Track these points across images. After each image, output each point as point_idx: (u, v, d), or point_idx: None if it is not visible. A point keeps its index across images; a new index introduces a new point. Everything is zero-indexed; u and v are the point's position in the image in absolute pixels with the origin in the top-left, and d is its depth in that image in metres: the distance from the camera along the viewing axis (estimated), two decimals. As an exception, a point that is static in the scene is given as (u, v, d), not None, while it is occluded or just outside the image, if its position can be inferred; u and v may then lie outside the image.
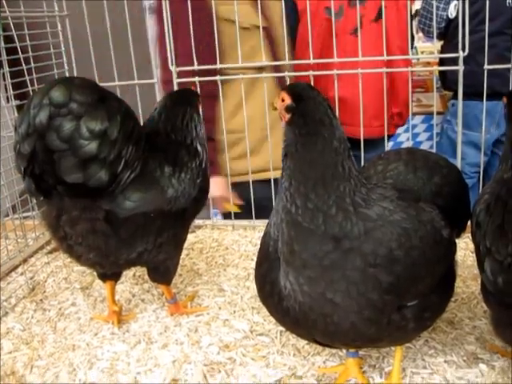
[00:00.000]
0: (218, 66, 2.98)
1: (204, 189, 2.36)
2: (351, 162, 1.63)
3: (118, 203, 2.04)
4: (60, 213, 2.05)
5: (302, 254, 1.57)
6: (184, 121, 2.37)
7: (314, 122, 1.59)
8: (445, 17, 4.15)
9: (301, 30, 3.56)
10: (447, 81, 4.23)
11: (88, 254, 2.12)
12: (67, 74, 3.24)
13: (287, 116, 1.64)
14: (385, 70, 2.90)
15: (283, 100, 1.66)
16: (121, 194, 2.03)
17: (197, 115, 2.42)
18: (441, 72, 4.26)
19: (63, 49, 3.23)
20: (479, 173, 3.30)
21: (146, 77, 3.15)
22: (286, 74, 2.96)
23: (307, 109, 1.61)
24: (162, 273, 2.34)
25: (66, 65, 3.26)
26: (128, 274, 2.80)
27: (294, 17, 3.55)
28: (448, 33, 4.20)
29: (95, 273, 2.40)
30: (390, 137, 3.82)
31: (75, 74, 3.19)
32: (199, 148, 2.35)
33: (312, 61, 2.95)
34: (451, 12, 4.12)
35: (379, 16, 3.51)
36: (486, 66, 2.75)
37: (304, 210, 1.57)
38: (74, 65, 3.21)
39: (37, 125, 1.84)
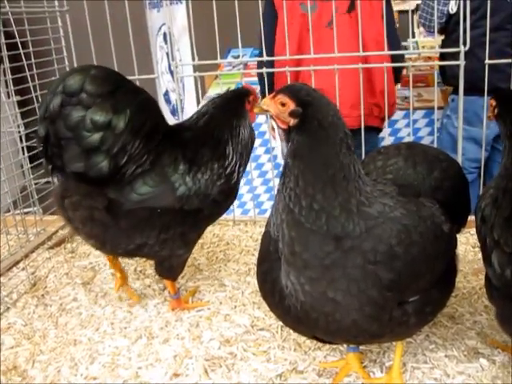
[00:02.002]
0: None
1: (227, 192, 2.28)
2: (358, 160, 1.63)
3: (124, 194, 2.06)
4: (64, 195, 2.10)
5: (303, 254, 1.56)
6: (222, 124, 2.31)
7: (328, 125, 1.57)
8: (445, 12, 4.13)
9: (279, 26, 3.59)
10: (447, 76, 4.21)
11: (88, 239, 2.19)
12: (67, 70, 3.23)
13: (292, 121, 1.61)
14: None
15: (283, 104, 1.62)
16: (128, 186, 2.06)
17: (240, 120, 2.34)
18: (440, 67, 4.25)
19: (64, 44, 3.23)
20: (479, 168, 3.29)
21: (146, 72, 3.15)
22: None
23: (319, 112, 1.58)
24: (167, 269, 2.33)
25: (66, 60, 3.26)
26: (129, 269, 2.80)
27: (271, 13, 3.60)
28: (448, 28, 4.18)
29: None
30: (377, 129, 3.84)
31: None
32: (230, 152, 2.28)
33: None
34: (452, 7, 4.10)
35: (351, 8, 3.55)
36: (487, 61, 2.74)
37: (308, 210, 1.56)
38: (74, 60, 3.21)
39: (50, 110, 1.94)
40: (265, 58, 3.03)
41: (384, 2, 3.36)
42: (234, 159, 2.29)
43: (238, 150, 2.30)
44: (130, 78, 3.00)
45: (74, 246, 3.14)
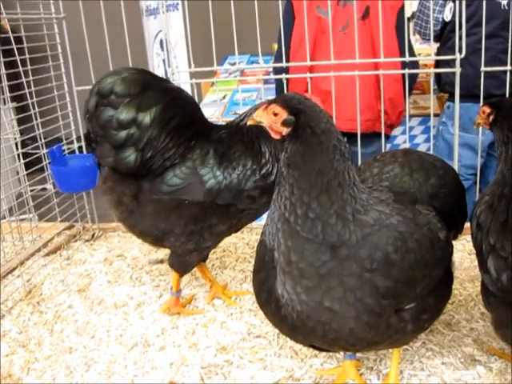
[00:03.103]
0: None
1: (263, 189, 2.26)
2: (353, 167, 1.63)
3: (156, 184, 2.19)
4: (105, 182, 2.28)
5: (300, 263, 1.56)
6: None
7: (321, 132, 1.57)
8: (440, 19, 4.15)
9: (295, 29, 3.62)
10: (442, 83, 4.23)
11: (119, 222, 2.35)
12: (64, 77, 3.24)
13: (286, 130, 1.60)
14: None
15: (276, 114, 1.60)
16: (160, 177, 2.19)
17: None
18: (436, 74, 4.27)
19: (60, 51, 3.23)
20: (475, 175, 3.30)
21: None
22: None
23: (311, 120, 1.58)
24: (185, 261, 2.35)
25: (63, 67, 3.26)
26: (125, 276, 2.80)
27: (288, 16, 3.63)
28: (442, 36, 4.19)
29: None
30: (385, 136, 3.85)
31: (72, 76, 3.20)
32: (265, 151, 2.28)
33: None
34: (446, 15, 4.11)
35: (366, 14, 3.58)
36: (482, 68, 2.75)
37: (304, 219, 1.55)
38: (70, 67, 3.21)
39: (88, 110, 2.15)
40: (264, 65, 3.04)
41: (398, 12, 3.39)
42: (271, 160, 2.29)
43: (273, 151, 2.30)
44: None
45: (69, 252, 3.13)
